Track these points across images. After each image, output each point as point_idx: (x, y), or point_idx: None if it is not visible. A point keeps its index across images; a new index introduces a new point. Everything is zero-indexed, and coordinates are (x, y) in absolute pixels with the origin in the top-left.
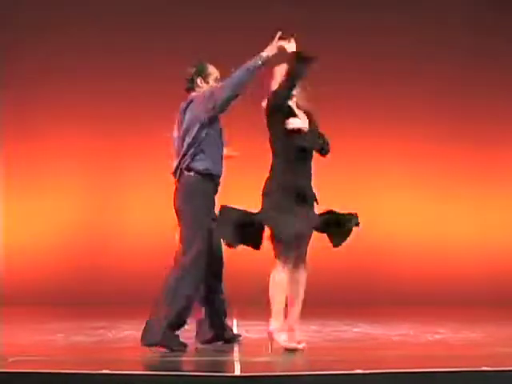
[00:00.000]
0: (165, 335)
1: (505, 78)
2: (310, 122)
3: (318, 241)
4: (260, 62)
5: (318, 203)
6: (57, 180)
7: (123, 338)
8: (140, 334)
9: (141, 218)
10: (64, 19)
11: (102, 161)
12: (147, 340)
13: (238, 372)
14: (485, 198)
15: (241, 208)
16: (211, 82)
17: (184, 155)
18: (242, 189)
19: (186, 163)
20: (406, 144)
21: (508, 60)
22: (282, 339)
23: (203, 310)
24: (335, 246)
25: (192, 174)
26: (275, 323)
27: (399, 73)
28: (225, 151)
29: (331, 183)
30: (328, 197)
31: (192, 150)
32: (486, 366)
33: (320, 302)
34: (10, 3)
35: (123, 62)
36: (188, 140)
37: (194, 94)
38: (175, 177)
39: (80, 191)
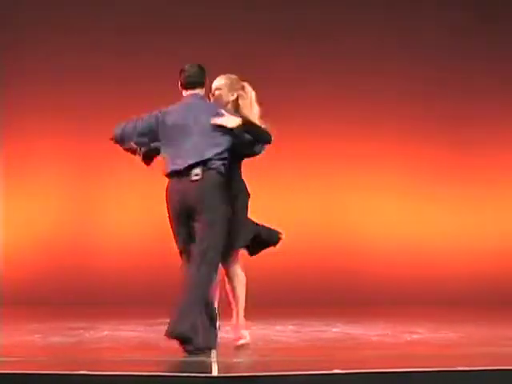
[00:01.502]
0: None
1: (481, 79)
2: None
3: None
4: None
5: None
6: (42, 180)
7: (101, 339)
8: (117, 334)
9: (120, 218)
10: (64, 19)
11: (92, 162)
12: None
13: (215, 372)
14: (464, 199)
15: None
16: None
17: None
18: None
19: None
20: (385, 145)
21: (483, 62)
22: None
23: None
24: (252, 255)
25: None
26: None
27: (374, 73)
28: None
29: (310, 186)
30: (306, 198)
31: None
32: (461, 365)
33: (298, 302)
34: (11, 3)
35: (118, 62)
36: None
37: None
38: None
39: (62, 193)
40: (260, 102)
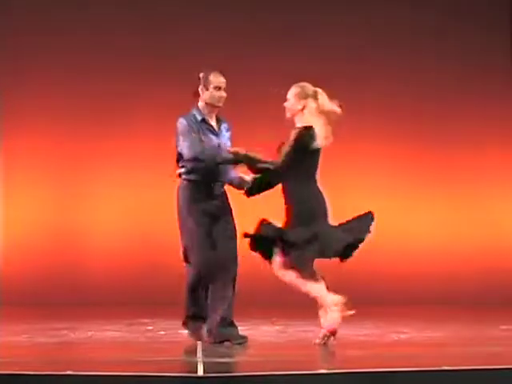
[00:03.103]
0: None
1: (462, 80)
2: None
3: None
4: (227, 160)
5: None
6: (28, 180)
7: (87, 339)
8: (102, 334)
9: (108, 218)
10: (63, 21)
11: (88, 163)
12: None
13: (200, 372)
14: (448, 198)
15: None
16: (210, 90)
17: None
18: None
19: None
20: (372, 146)
21: (460, 63)
22: None
23: None
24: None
25: None
26: None
27: (352, 75)
28: None
29: None
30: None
31: None
32: (447, 365)
33: (284, 302)
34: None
35: (118, 63)
36: None
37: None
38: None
39: (49, 192)
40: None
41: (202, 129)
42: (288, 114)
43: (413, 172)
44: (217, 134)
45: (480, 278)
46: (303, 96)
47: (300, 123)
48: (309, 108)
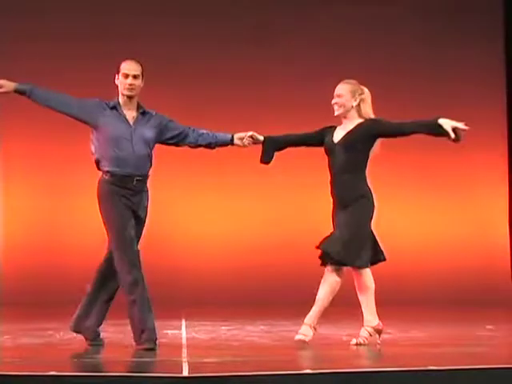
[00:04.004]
0: None
1: (456, 82)
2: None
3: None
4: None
5: None
6: (26, 181)
7: (71, 340)
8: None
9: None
10: (62, 23)
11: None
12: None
13: (185, 373)
14: (434, 200)
15: None
16: (119, 77)
17: None
18: None
19: None
20: None
21: (457, 63)
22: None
23: None
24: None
25: None
26: None
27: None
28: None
29: (294, 185)
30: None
31: None
32: (432, 365)
33: (270, 302)
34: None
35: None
36: None
37: None
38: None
39: (47, 193)
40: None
41: (112, 115)
42: (340, 111)
43: (408, 174)
44: (127, 123)
45: (466, 277)
46: (358, 92)
47: (355, 119)
48: (362, 104)
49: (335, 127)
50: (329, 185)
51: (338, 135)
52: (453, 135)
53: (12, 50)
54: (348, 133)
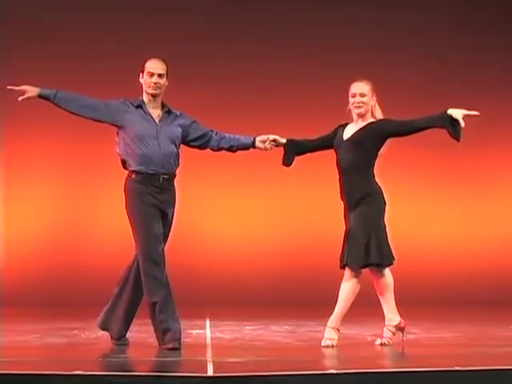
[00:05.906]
0: None
1: (466, 81)
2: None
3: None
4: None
5: None
6: (28, 182)
7: (97, 339)
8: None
9: (110, 220)
10: (63, 24)
11: (88, 164)
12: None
13: (210, 372)
14: (456, 200)
15: None
16: (144, 76)
17: None
18: None
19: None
20: None
21: (465, 64)
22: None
23: None
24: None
25: None
26: None
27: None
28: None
29: (301, 185)
30: (299, 199)
31: None
32: (458, 365)
33: (294, 303)
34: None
35: (118, 67)
36: None
37: None
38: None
39: (50, 194)
40: None
41: (137, 114)
42: (362, 110)
43: (419, 173)
44: (153, 122)
45: (489, 277)
46: (374, 92)
47: (368, 118)
48: (376, 104)
49: (347, 124)
50: (338, 185)
51: (348, 132)
52: (462, 123)
53: (21, 52)
54: (359, 130)
